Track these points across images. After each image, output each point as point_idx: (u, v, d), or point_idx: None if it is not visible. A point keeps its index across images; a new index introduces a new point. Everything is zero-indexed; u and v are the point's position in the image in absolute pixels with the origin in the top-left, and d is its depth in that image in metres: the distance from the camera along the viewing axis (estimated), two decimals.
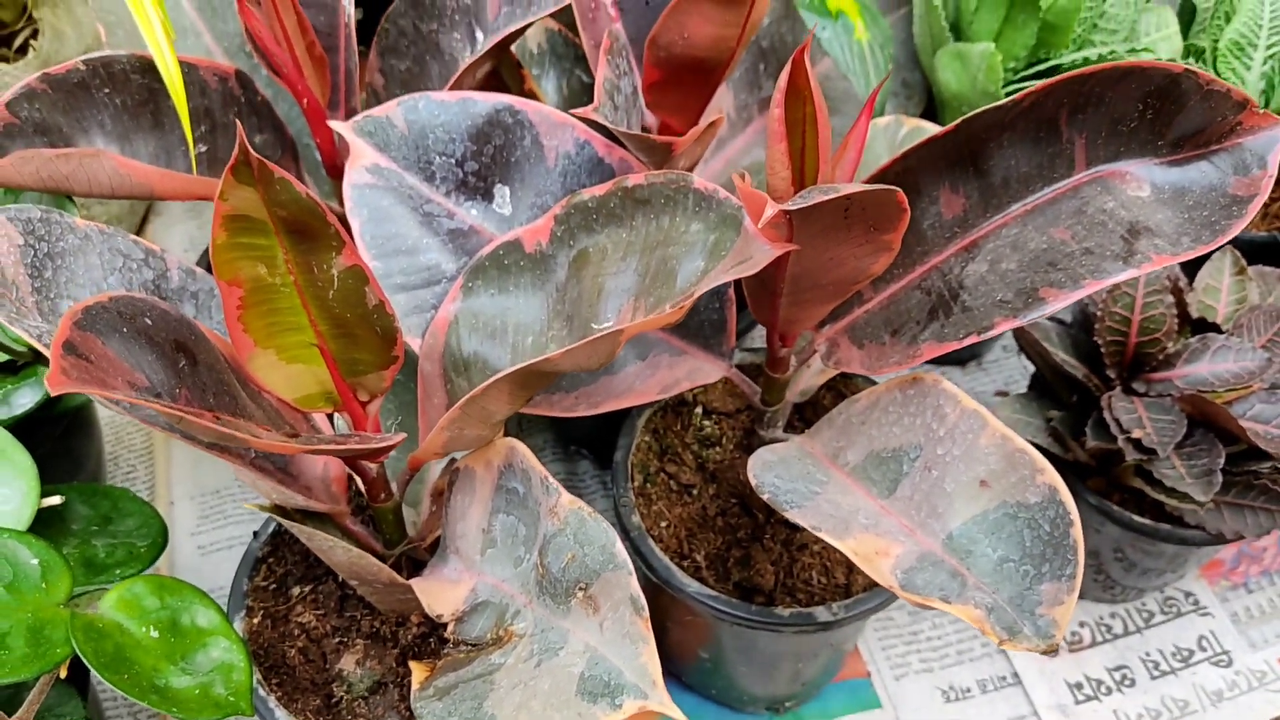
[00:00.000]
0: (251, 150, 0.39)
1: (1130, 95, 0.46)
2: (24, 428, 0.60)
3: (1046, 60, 0.73)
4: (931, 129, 0.65)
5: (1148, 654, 0.75)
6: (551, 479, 0.45)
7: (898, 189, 0.41)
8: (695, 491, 0.62)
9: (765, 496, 0.47)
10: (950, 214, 0.50)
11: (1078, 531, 0.42)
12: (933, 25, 0.72)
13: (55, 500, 0.52)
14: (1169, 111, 0.45)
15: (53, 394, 0.33)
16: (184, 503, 0.79)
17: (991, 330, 0.47)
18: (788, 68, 0.43)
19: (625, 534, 0.59)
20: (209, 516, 0.78)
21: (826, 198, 0.39)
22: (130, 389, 0.37)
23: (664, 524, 0.60)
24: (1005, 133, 0.48)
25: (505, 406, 0.47)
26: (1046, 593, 0.42)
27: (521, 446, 0.48)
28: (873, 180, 0.49)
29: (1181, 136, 0.46)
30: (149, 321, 0.40)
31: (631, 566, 0.41)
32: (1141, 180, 0.47)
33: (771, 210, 0.39)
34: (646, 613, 0.41)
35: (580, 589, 0.43)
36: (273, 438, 0.43)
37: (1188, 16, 0.81)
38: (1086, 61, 0.70)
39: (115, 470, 0.80)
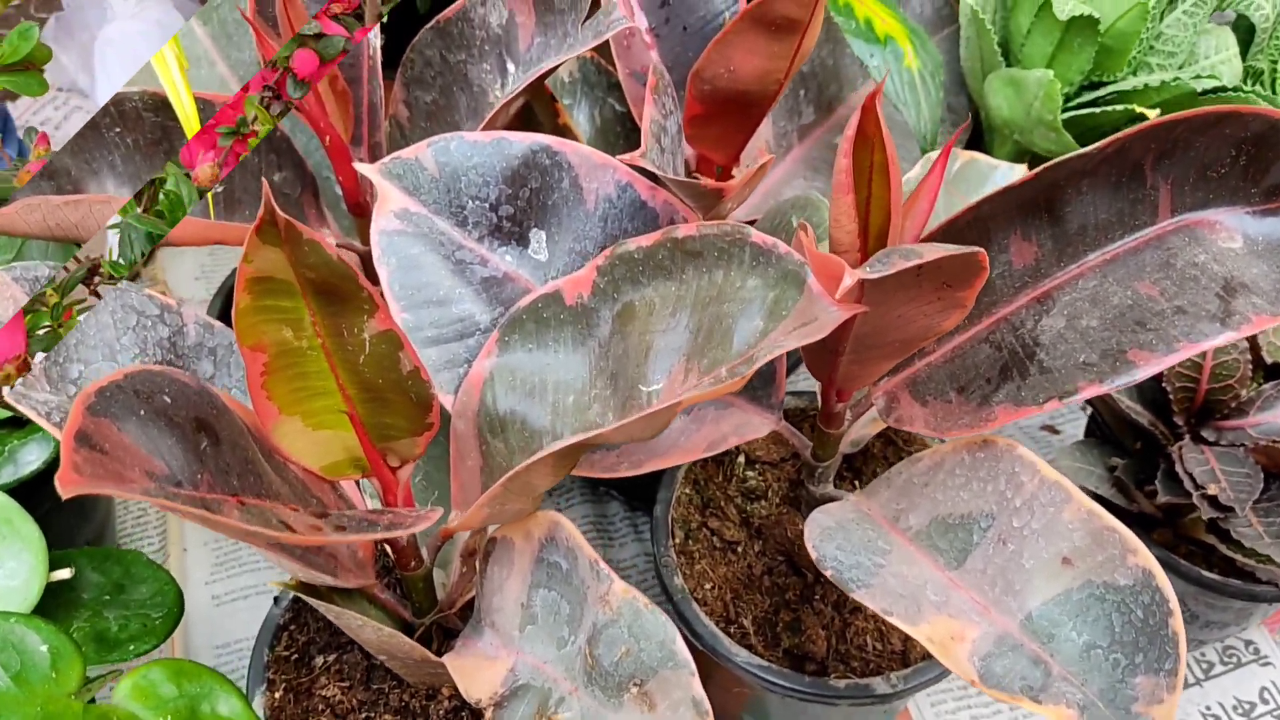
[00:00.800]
0: (278, 210, 0.36)
1: (1223, 140, 0.42)
2: (28, 483, 0.57)
3: (1102, 85, 0.69)
4: (986, 161, 0.61)
5: (1208, 707, 0.72)
6: (603, 563, 0.41)
7: (980, 250, 0.38)
8: (740, 549, 0.59)
9: (829, 573, 0.44)
10: (1021, 263, 0.47)
11: (1178, 622, 0.39)
12: (984, 49, 0.68)
13: (65, 574, 0.49)
14: (1266, 159, 0.42)
15: (64, 496, 0.30)
16: (197, 550, 0.76)
17: (1075, 396, 0.43)
18: (857, 114, 0.40)
19: (668, 597, 0.56)
20: (223, 564, 0.75)
21: (909, 264, 0.36)
22: (148, 479, 0.34)
23: (708, 585, 0.57)
24: (1085, 179, 0.44)
25: (549, 479, 0.43)
26: (1142, 687, 0.39)
27: (566, 522, 0.44)
28: (944, 231, 0.46)
29: (1277, 185, 0.43)
30: (168, 399, 0.37)
31: (694, 666, 0.38)
32: (1233, 230, 0.43)
33: (850, 279, 0.35)
34: (710, 716, 0.37)
35: (635, 685, 0.39)
36: (303, 519, 0.39)
37: (1244, 36, 0.77)
38: (1147, 87, 0.66)
39: (125, 515, 0.77)
